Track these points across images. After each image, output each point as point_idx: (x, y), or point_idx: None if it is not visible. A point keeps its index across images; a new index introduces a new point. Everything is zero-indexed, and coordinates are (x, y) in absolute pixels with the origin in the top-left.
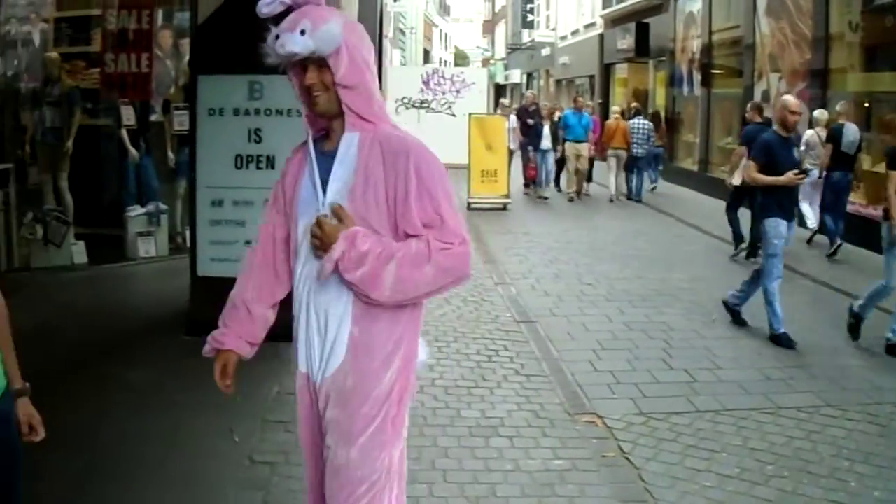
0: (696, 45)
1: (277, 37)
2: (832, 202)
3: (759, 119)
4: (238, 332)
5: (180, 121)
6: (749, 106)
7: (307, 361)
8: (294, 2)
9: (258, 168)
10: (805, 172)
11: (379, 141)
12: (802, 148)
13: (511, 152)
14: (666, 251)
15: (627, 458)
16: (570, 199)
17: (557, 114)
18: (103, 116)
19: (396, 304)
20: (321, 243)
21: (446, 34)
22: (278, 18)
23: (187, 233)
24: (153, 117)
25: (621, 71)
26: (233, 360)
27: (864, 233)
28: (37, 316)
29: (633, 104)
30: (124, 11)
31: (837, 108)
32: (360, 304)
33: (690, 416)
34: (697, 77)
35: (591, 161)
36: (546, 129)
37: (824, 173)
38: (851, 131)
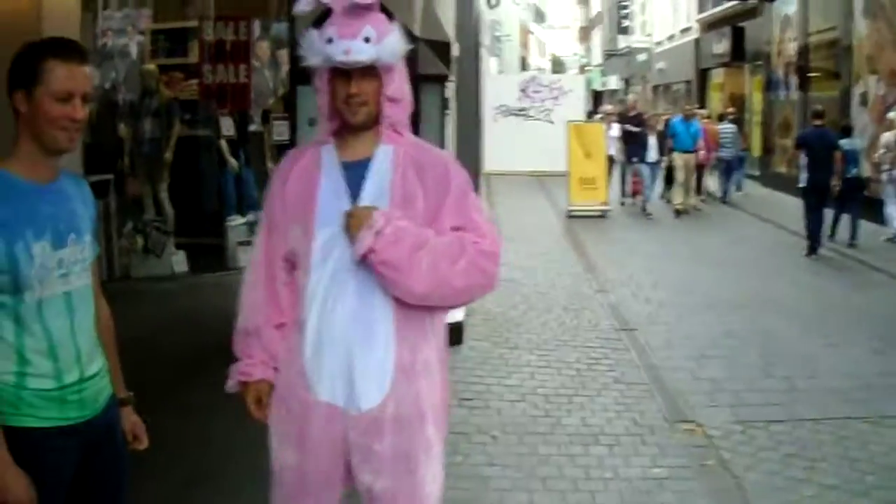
0: (792, 48)
1: (330, 40)
2: None
3: (818, 122)
4: (262, 359)
5: (279, 131)
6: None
7: (331, 390)
8: (360, 3)
9: None
10: None
11: (412, 154)
12: (882, 151)
13: (612, 161)
14: (766, 257)
15: (727, 467)
16: (678, 214)
17: (662, 122)
18: (202, 127)
19: (428, 304)
20: (355, 220)
21: (542, 41)
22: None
23: None
24: (252, 128)
25: (717, 76)
26: (265, 391)
27: None
28: (138, 325)
29: (730, 109)
30: (221, 23)
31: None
32: (403, 318)
33: (790, 424)
34: (794, 80)
35: (700, 171)
36: (653, 140)
37: None
38: None
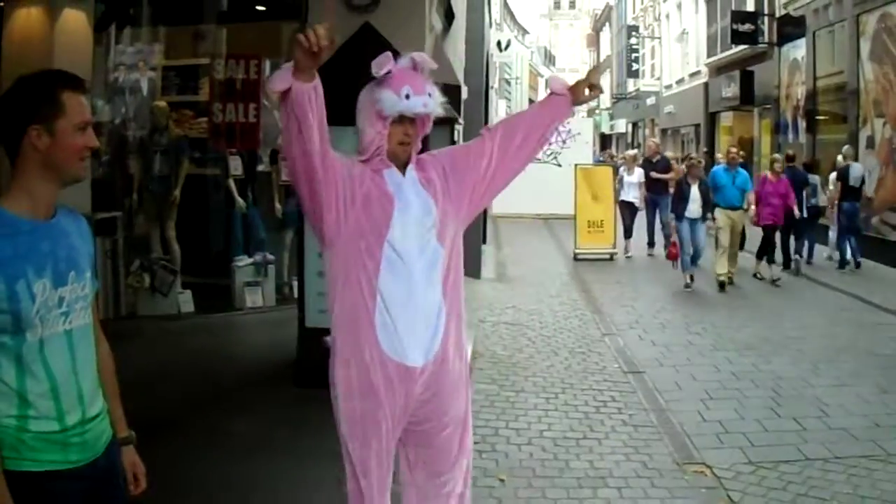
0: (800, 91)
1: (408, 95)
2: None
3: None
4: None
5: (287, 171)
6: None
7: (405, 349)
8: (416, 65)
9: None
10: None
11: (419, 166)
12: (831, 187)
13: (631, 208)
14: (772, 299)
15: None
16: (721, 287)
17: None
18: (211, 166)
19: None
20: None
21: None
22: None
23: (294, 283)
24: (260, 167)
25: (726, 119)
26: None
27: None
28: (143, 364)
29: (719, 155)
30: (232, 61)
31: (843, 150)
32: (448, 276)
33: (800, 464)
34: (802, 124)
35: (743, 233)
36: (695, 191)
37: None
38: (856, 170)
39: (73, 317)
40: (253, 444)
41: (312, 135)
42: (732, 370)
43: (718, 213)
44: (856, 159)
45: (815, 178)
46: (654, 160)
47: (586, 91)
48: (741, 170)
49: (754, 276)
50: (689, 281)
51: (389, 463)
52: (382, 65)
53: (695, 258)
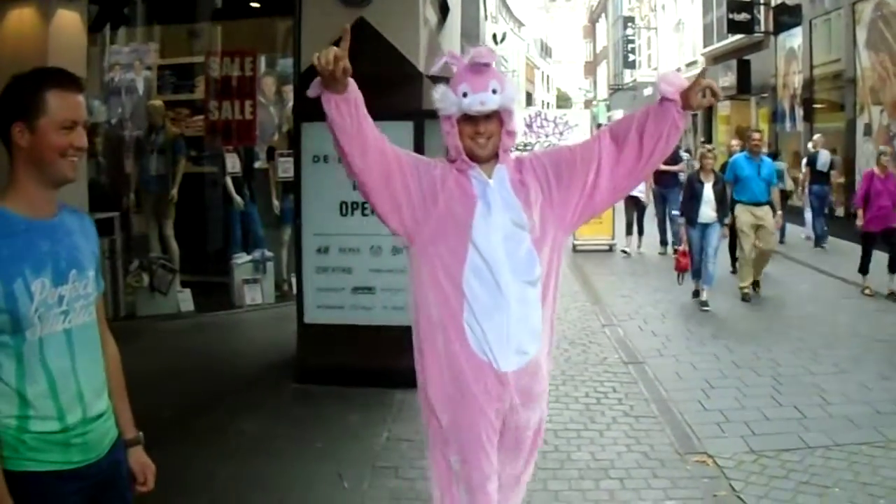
0: (797, 80)
1: (465, 94)
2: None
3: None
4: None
5: (285, 168)
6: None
7: (493, 351)
8: (482, 61)
9: (363, 215)
10: None
11: (516, 166)
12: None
13: (640, 204)
14: (773, 287)
15: (739, 497)
16: (745, 298)
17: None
18: (208, 164)
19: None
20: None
21: (548, 76)
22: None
23: (293, 280)
24: (257, 164)
25: (724, 108)
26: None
27: None
28: (144, 364)
29: (735, 142)
30: (227, 59)
31: (813, 139)
32: (548, 285)
33: (801, 452)
34: (799, 112)
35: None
36: (708, 189)
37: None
38: (823, 156)
39: (72, 316)
40: (254, 442)
41: (346, 143)
42: (732, 359)
43: (740, 210)
44: (853, 147)
45: (780, 164)
46: None
47: (700, 96)
48: (766, 158)
49: (888, 295)
50: (702, 297)
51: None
52: (437, 64)
53: (706, 265)
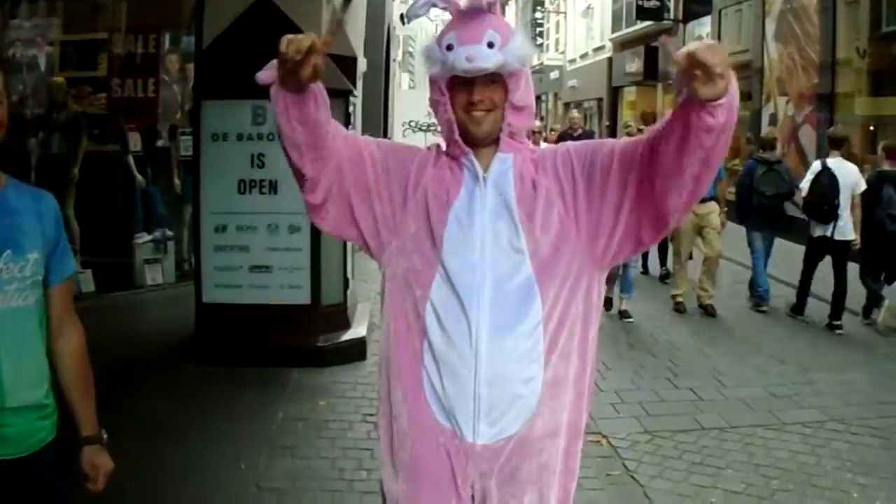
0: None
1: (450, 47)
2: None
3: None
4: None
5: (186, 146)
6: None
7: (456, 416)
8: (475, 5)
9: (261, 193)
10: None
11: (529, 158)
12: None
13: None
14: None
15: (632, 476)
16: (679, 309)
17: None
18: (110, 142)
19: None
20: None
21: None
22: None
23: (194, 259)
24: (160, 143)
25: (630, 94)
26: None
27: None
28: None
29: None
30: (131, 35)
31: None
32: (558, 334)
33: (695, 433)
34: None
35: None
36: None
37: None
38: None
39: (4, 298)
40: (153, 423)
41: (295, 158)
42: (629, 340)
43: None
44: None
45: None
46: (576, 134)
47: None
48: None
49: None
50: (621, 306)
51: None
52: (416, 4)
53: (625, 282)
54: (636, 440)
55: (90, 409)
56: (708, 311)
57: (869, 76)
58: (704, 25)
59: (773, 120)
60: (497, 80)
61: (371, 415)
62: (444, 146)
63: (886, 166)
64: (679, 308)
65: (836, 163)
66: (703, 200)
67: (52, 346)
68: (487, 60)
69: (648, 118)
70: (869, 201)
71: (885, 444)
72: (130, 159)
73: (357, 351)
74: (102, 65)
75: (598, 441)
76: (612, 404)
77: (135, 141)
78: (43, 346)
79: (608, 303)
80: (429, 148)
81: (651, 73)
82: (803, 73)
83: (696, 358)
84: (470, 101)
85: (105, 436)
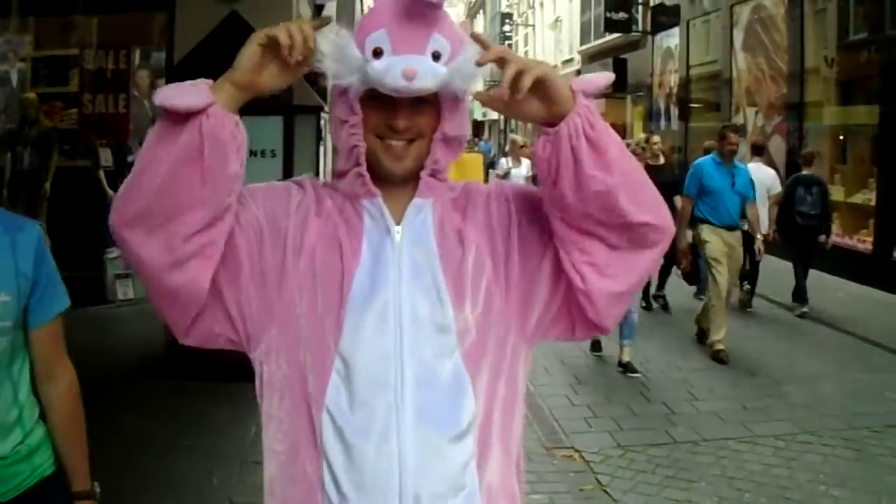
0: (673, 79)
1: (378, 52)
2: None
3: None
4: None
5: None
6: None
7: None
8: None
9: None
10: None
11: (448, 201)
12: None
13: None
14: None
15: (605, 491)
16: (720, 356)
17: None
18: (81, 158)
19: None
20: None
21: None
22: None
23: None
24: (130, 158)
25: (599, 106)
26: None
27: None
28: None
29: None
30: (102, 51)
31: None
32: (489, 435)
33: (668, 447)
34: (675, 111)
35: (755, 263)
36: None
37: None
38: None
39: None
40: (126, 439)
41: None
42: (601, 354)
43: (708, 233)
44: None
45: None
46: None
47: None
48: (740, 164)
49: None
50: (624, 357)
51: None
52: None
53: (626, 326)
54: (609, 454)
55: (81, 461)
56: (720, 356)
57: (837, 85)
58: (673, 37)
59: (743, 130)
60: (429, 99)
61: None
62: (333, 182)
63: (804, 171)
64: (722, 358)
65: (755, 167)
66: (733, 228)
67: (39, 390)
68: (431, 79)
69: (618, 130)
70: (785, 201)
71: (858, 456)
72: (101, 174)
73: None
74: (73, 80)
75: (571, 456)
76: (584, 419)
77: (106, 156)
78: (15, 392)
79: (596, 345)
80: (300, 184)
81: (620, 85)
82: (772, 83)
83: (668, 371)
84: (390, 125)
85: (97, 490)
